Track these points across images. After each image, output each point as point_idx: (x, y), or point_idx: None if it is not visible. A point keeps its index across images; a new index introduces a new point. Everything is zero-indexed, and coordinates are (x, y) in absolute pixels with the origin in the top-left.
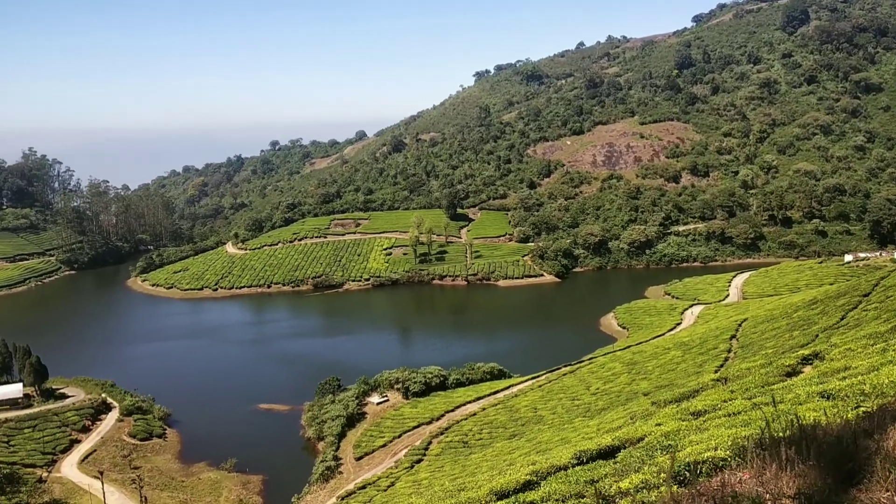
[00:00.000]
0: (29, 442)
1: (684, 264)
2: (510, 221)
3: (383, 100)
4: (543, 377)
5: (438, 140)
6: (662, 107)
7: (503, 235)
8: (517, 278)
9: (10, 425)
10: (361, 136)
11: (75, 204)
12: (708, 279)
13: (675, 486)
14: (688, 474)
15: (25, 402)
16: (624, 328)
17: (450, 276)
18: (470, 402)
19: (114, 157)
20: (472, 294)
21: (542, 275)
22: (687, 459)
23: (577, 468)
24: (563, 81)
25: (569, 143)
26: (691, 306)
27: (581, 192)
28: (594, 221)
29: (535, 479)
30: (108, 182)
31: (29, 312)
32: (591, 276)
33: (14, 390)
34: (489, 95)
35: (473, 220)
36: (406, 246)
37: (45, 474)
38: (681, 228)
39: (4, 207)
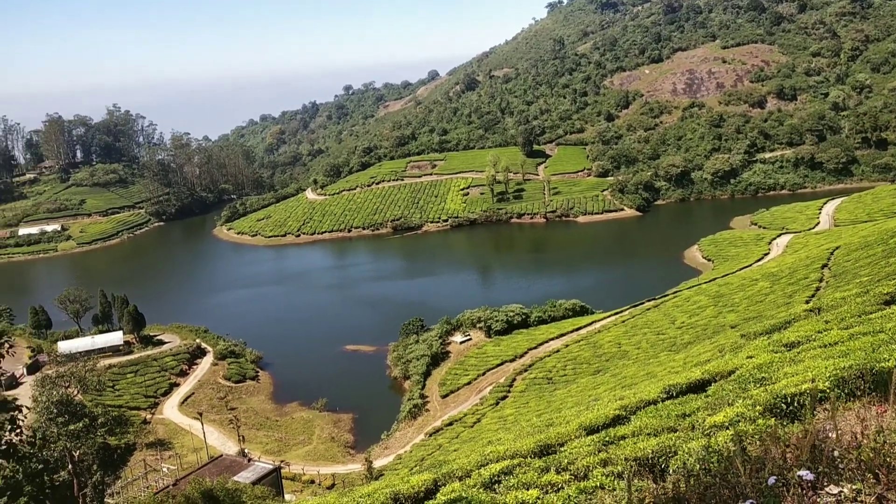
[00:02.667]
0: (132, 386)
1: (771, 193)
2: (588, 156)
3: (455, 37)
4: (627, 312)
5: (512, 76)
6: (745, 29)
7: (581, 170)
8: (597, 214)
9: (113, 371)
10: (434, 76)
11: (160, 157)
12: (797, 207)
13: (773, 419)
14: (784, 406)
15: (126, 348)
16: (709, 260)
17: (528, 213)
18: (552, 339)
19: (193, 109)
20: (552, 231)
21: (622, 209)
22: (783, 392)
23: (668, 402)
24: (640, 8)
25: (647, 72)
26: (779, 236)
27: (661, 122)
28: (675, 152)
29: (624, 413)
30: (189, 134)
31: (123, 263)
32: (673, 209)
33: (115, 338)
34: (563, 27)
35: (550, 156)
36: (483, 185)
37: (149, 416)
38: (767, 156)
39: (94, 163)
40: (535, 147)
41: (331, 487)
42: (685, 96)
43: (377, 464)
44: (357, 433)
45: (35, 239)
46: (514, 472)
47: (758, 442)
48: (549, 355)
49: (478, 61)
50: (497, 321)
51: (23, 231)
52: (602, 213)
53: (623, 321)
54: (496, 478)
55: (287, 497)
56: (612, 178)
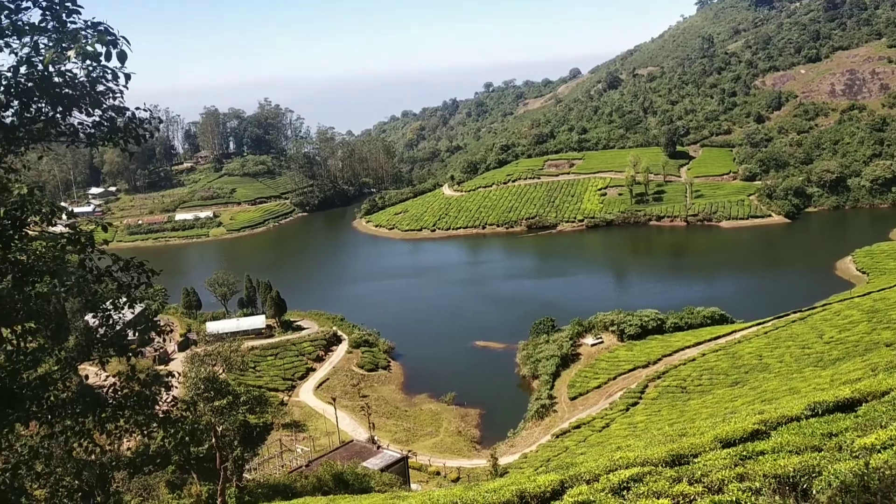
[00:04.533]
0: (272, 368)
1: None
2: (734, 158)
3: (599, 35)
4: (770, 323)
5: (656, 74)
6: None
7: (726, 174)
8: (741, 219)
9: (255, 353)
10: (575, 74)
11: (306, 150)
12: None
13: None
14: None
15: (268, 332)
16: (863, 273)
17: (668, 216)
18: (688, 346)
19: (339, 104)
20: (692, 236)
21: (769, 215)
22: None
23: (812, 420)
24: (798, 4)
25: (802, 71)
26: None
27: (816, 125)
28: (831, 157)
29: (763, 428)
30: (334, 128)
31: (268, 251)
32: (825, 217)
33: (258, 321)
34: (713, 24)
35: (694, 157)
36: (621, 186)
37: (286, 398)
38: None
39: (245, 154)
40: (678, 148)
41: (456, 480)
42: (844, 98)
43: (502, 461)
44: (483, 429)
45: (189, 224)
46: (644, 480)
47: None
48: (685, 363)
49: (621, 59)
50: (631, 325)
51: (179, 216)
52: (747, 219)
53: (765, 332)
54: (625, 484)
55: (413, 486)
56: (759, 182)
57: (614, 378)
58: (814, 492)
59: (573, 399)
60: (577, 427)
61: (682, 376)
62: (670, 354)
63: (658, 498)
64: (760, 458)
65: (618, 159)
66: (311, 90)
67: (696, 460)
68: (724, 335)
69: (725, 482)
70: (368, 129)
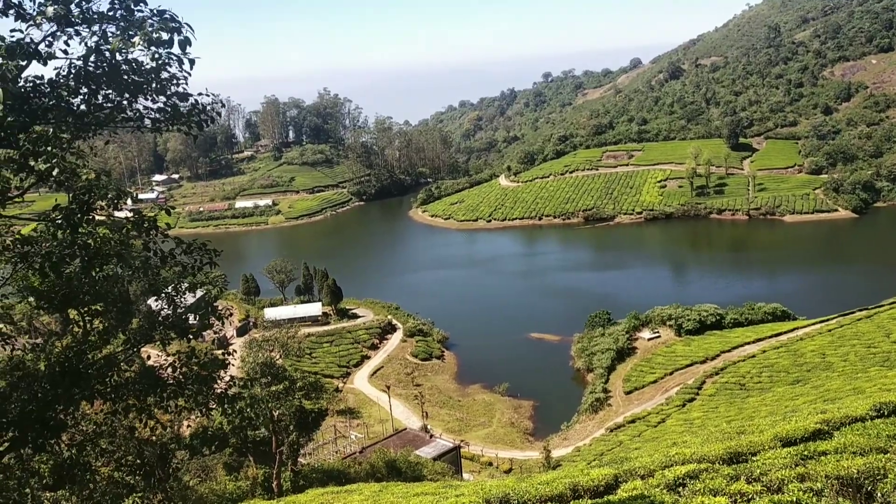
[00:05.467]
0: (327, 355)
1: None
2: (800, 151)
3: (661, 25)
4: (834, 321)
5: (720, 64)
6: None
7: (791, 167)
8: (806, 213)
9: (311, 339)
10: (636, 63)
11: (363, 139)
12: None
13: None
14: None
15: (324, 319)
16: None
17: (729, 209)
18: (748, 343)
19: (397, 94)
20: (754, 230)
21: (835, 209)
22: None
23: (877, 421)
24: None
25: (874, 61)
26: None
27: (887, 117)
28: None
29: (826, 428)
30: (391, 118)
31: (325, 239)
32: (895, 212)
33: (315, 309)
34: (779, 13)
35: (757, 149)
36: (682, 178)
37: (341, 385)
38: None
39: (304, 143)
40: (741, 140)
41: (508, 472)
42: None
43: (555, 454)
44: (537, 421)
45: (249, 212)
46: (701, 477)
47: None
48: (744, 360)
49: (684, 49)
50: (689, 320)
51: (239, 204)
52: (812, 213)
53: (829, 330)
54: (681, 480)
55: (465, 476)
56: (825, 175)
57: (671, 373)
58: (878, 495)
59: (628, 393)
60: (632, 422)
61: (741, 373)
62: (729, 350)
63: (715, 495)
64: (822, 458)
65: (678, 151)
66: (372, 80)
67: (754, 459)
68: (785, 332)
69: (785, 482)
70: (426, 118)
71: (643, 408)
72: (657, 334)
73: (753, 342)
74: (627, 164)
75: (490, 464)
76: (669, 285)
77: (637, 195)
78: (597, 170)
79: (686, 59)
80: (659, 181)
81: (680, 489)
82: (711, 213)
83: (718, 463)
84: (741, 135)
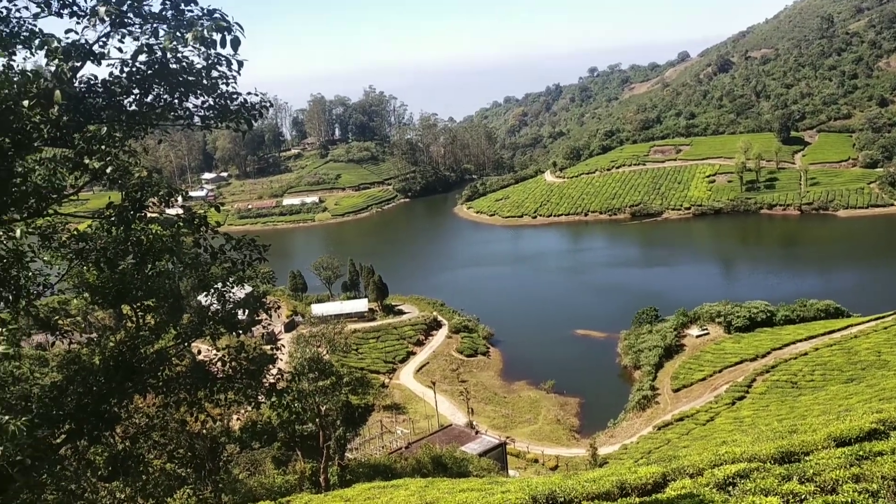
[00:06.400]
0: (373, 351)
1: None
2: (854, 144)
3: (709, 17)
4: (890, 318)
5: (770, 57)
6: None
7: (845, 160)
8: (861, 208)
9: (358, 335)
10: (684, 57)
11: (409, 136)
12: None
13: None
14: None
15: (370, 315)
16: None
17: (780, 205)
18: (800, 340)
19: (442, 91)
20: (806, 225)
21: (891, 204)
22: None
23: None
24: None
25: None
26: None
27: None
28: None
29: (882, 428)
30: (436, 115)
31: (371, 236)
32: None
33: (361, 305)
34: (832, 3)
35: (809, 143)
36: (731, 173)
37: (387, 380)
38: None
39: (350, 141)
40: (793, 133)
41: (554, 468)
42: None
43: (602, 451)
44: (583, 418)
45: (296, 209)
46: (752, 477)
47: None
48: (795, 358)
49: (733, 41)
50: (738, 317)
51: (286, 201)
52: (867, 208)
53: (885, 328)
54: (731, 479)
55: (511, 473)
56: (881, 169)
57: (720, 371)
58: None
59: (676, 391)
60: (680, 419)
61: (792, 371)
62: (780, 348)
63: (766, 495)
64: (878, 458)
65: (727, 145)
66: (416, 77)
67: (807, 458)
68: (838, 329)
69: (839, 482)
70: (470, 115)
71: (691, 406)
72: (706, 331)
73: (806, 339)
74: (675, 159)
75: (536, 461)
76: (718, 282)
77: (685, 190)
78: (644, 165)
79: (735, 52)
80: (707, 176)
81: (730, 488)
82: (762, 208)
83: (770, 462)
84: (792, 128)
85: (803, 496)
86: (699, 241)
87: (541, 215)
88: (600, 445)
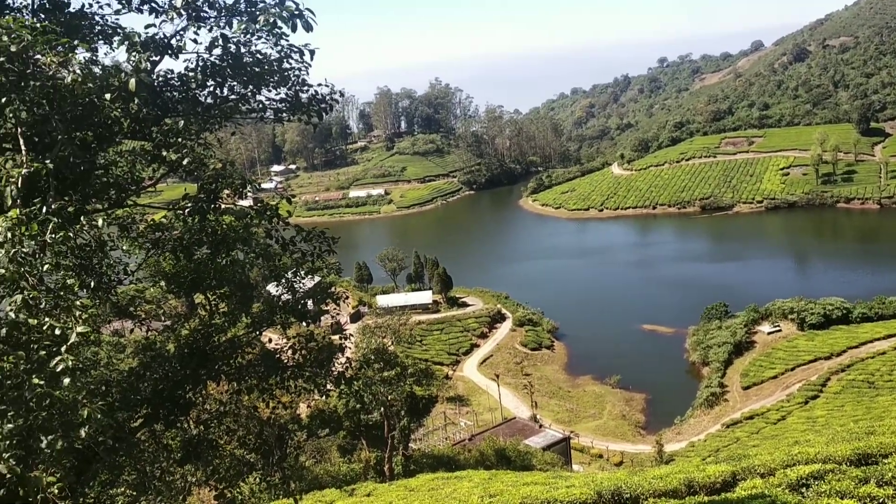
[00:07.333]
0: (437, 343)
1: None
2: None
3: (785, 4)
4: None
5: (850, 45)
6: None
7: None
8: None
9: (422, 327)
10: (758, 46)
11: (474, 129)
12: None
13: None
14: None
15: (434, 307)
16: None
17: (858, 198)
18: (878, 339)
19: (508, 82)
20: (886, 219)
21: None
22: None
23: None
24: None
25: None
26: None
27: None
28: None
29: None
30: (502, 107)
31: (435, 228)
32: None
33: (425, 297)
34: None
35: (891, 134)
36: (806, 165)
37: (450, 372)
38: None
39: (416, 133)
40: (873, 125)
41: (619, 465)
42: None
43: (668, 448)
44: (649, 414)
45: (362, 201)
46: (826, 478)
47: None
48: (873, 357)
49: (810, 30)
50: (812, 314)
51: (353, 193)
52: None
53: None
54: (804, 480)
55: (575, 468)
56: None
57: (792, 369)
58: None
59: (746, 388)
60: (750, 418)
61: (869, 370)
62: (857, 346)
63: (842, 498)
64: None
65: (802, 137)
66: (482, 69)
67: (885, 461)
68: None
69: None
70: (537, 106)
71: (762, 404)
72: (778, 328)
73: (884, 338)
74: (747, 151)
75: (600, 456)
76: (791, 277)
77: (757, 183)
78: (714, 157)
79: (812, 41)
80: (781, 168)
81: (803, 490)
82: (838, 201)
83: (845, 464)
84: (872, 119)
85: (881, 500)
86: (771, 235)
87: (607, 208)
88: (666, 442)
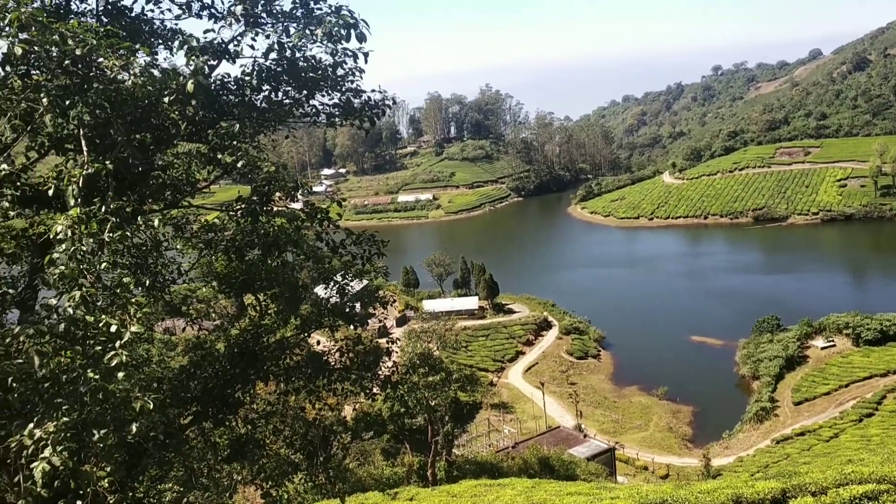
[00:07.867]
0: (482, 349)
1: None
2: None
3: (844, 12)
4: None
5: None
6: None
7: None
8: None
9: (467, 332)
10: (816, 54)
11: (523, 135)
12: None
13: None
14: None
15: (480, 313)
16: None
17: None
18: None
19: (558, 89)
20: None
21: None
22: None
23: None
24: None
25: None
26: None
27: None
28: None
29: None
30: (552, 113)
31: (483, 234)
32: None
33: (472, 302)
34: None
35: None
36: (864, 177)
37: (495, 379)
38: None
39: (465, 139)
40: None
41: (664, 477)
42: None
43: (715, 462)
44: (696, 427)
45: (410, 206)
46: (881, 499)
47: None
48: None
49: (871, 38)
50: (868, 329)
51: (401, 198)
52: None
53: None
54: (857, 500)
55: (619, 479)
56: None
57: (846, 385)
58: None
59: (797, 404)
60: (801, 434)
61: None
62: None
63: None
64: None
65: (861, 148)
66: (533, 76)
67: None
68: None
69: None
70: (587, 113)
71: (814, 420)
72: (832, 343)
73: None
74: (803, 162)
75: (645, 468)
76: (847, 291)
77: (813, 195)
78: (769, 167)
79: (873, 49)
80: (838, 180)
81: None
82: None
83: None
84: None
85: None
86: (827, 247)
87: (657, 217)
88: (714, 456)
